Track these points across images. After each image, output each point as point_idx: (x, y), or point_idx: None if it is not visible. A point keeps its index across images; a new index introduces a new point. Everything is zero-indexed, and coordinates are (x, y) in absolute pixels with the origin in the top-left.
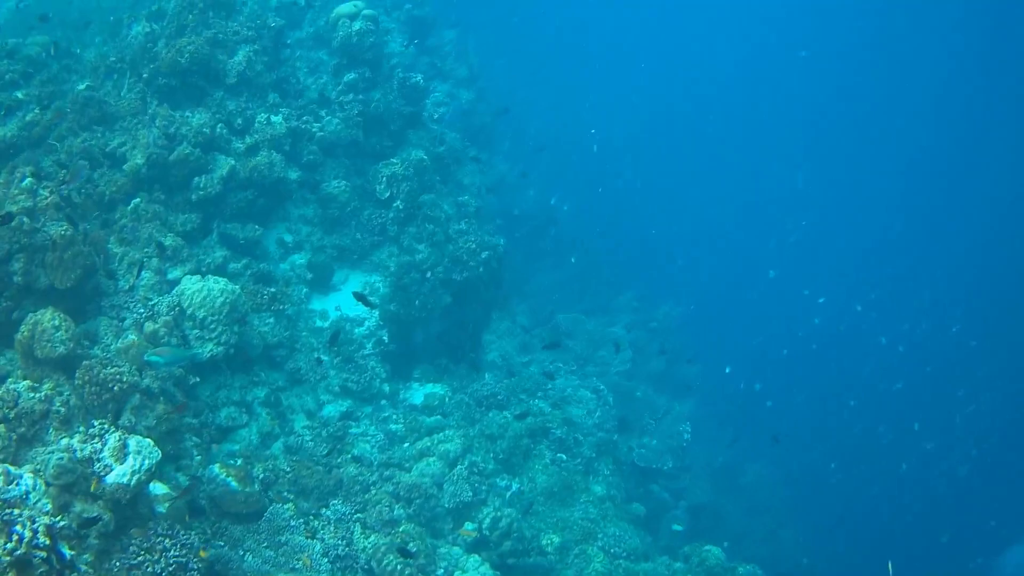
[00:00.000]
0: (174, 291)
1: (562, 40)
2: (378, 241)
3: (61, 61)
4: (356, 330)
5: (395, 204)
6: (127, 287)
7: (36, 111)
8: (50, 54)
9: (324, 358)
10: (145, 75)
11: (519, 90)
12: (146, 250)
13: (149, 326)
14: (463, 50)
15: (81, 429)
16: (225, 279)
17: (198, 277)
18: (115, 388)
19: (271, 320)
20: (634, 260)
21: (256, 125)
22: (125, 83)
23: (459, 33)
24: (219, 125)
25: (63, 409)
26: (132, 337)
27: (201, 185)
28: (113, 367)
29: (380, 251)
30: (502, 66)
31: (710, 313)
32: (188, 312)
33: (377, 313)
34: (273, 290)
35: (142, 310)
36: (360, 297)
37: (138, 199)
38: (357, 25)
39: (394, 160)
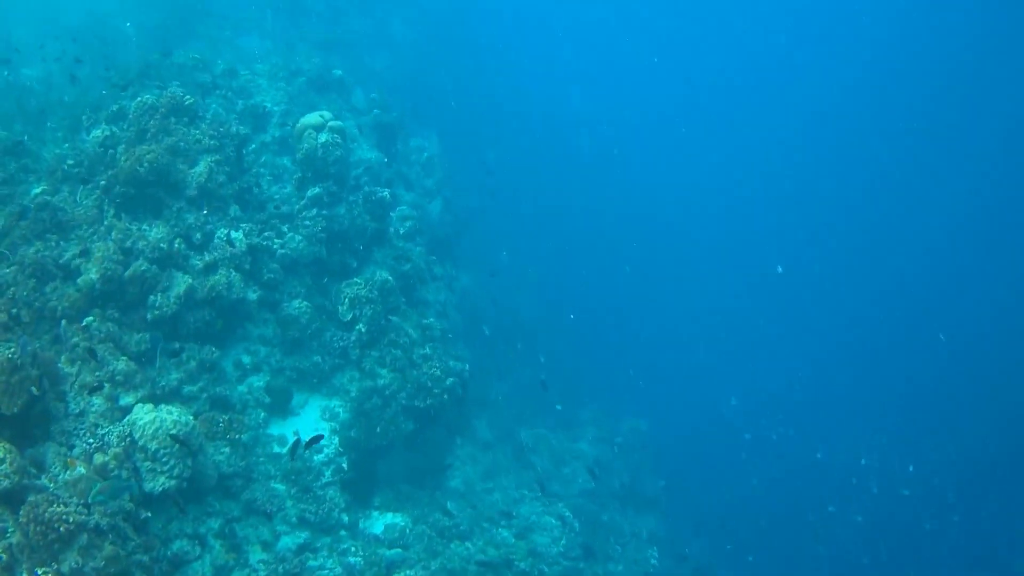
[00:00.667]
0: (126, 420)
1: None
2: (339, 364)
3: (19, 160)
4: (315, 457)
5: (358, 327)
6: (77, 411)
7: None
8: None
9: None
10: (103, 183)
11: (487, 196)
12: (97, 373)
13: (99, 458)
14: (430, 158)
15: None
16: (179, 409)
17: (151, 406)
18: (61, 529)
19: (226, 449)
20: (601, 368)
21: (216, 241)
22: (81, 189)
23: (425, 140)
24: (177, 240)
25: (4, 556)
26: (80, 470)
27: (157, 304)
28: (60, 505)
29: (341, 375)
30: (469, 171)
31: (678, 426)
32: (140, 443)
33: (336, 440)
34: (228, 417)
35: (91, 440)
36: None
37: (91, 317)
38: (323, 138)
39: (358, 280)
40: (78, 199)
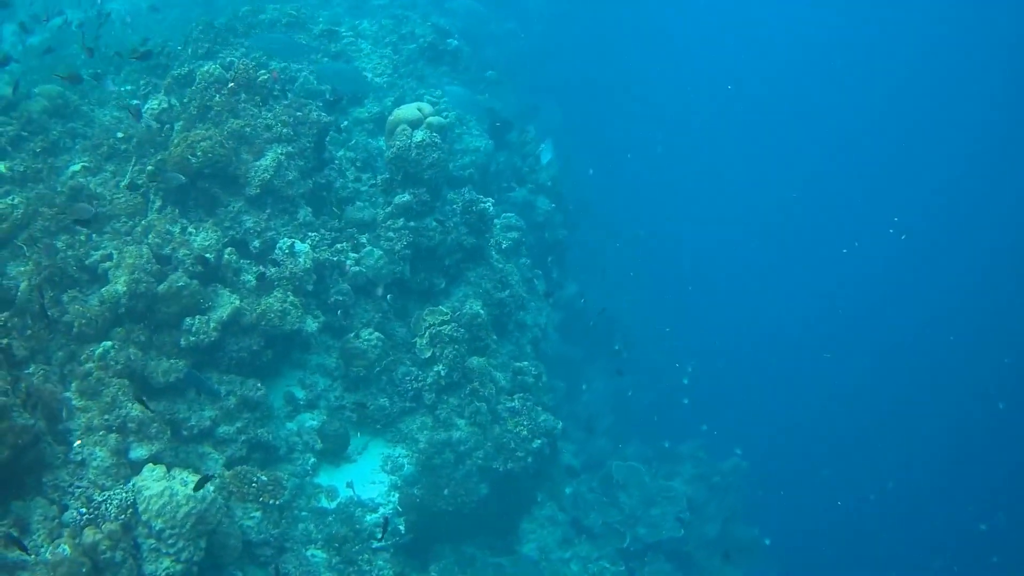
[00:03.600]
0: (131, 483)
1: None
2: (410, 408)
3: (66, 123)
4: (367, 518)
5: (436, 369)
6: (79, 459)
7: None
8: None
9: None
10: (150, 167)
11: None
12: (106, 416)
13: (90, 535)
14: (548, 149)
15: None
16: (194, 480)
17: (162, 470)
18: None
19: (257, 514)
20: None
21: (277, 252)
22: (128, 171)
23: (543, 130)
24: (228, 250)
25: None
26: (65, 550)
27: (194, 329)
28: None
29: (411, 420)
30: (587, 166)
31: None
32: (143, 518)
33: (396, 497)
34: (264, 479)
35: (84, 510)
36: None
37: (109, 343)
38: (419, 136)
39: (443, 309)
40: (121, 184)
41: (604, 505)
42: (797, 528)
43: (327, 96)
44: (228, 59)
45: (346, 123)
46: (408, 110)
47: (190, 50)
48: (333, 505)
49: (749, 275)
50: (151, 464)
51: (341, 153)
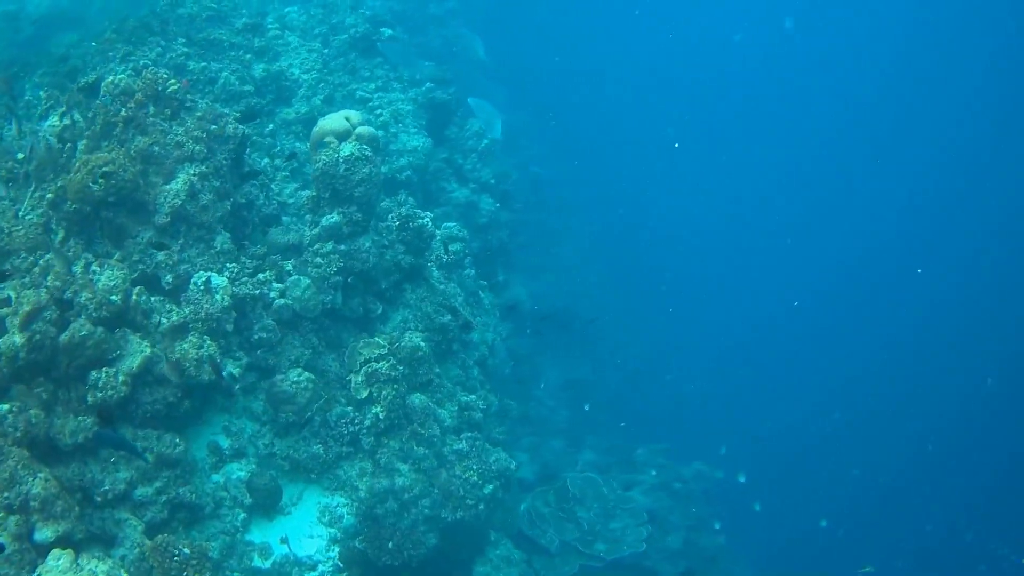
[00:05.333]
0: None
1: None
2: (347, 452)
3: None
4: None
5: (374, 411)
6: None
7: None
8: None
9: None
10: (49, 195)
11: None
12: (5, 495)
13: None
14: (490, 145)
15: None
16: (109, 565)
17: (69, 558)
18: None
19: None
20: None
21: (191, 288)
22: (27, 197)
23: (485, 121)
24: (137, 290)
25: None
26: None
27: (101, 383)
28: None
29: (349, 465)
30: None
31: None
32: None
33: (335, 552)
34: (187, 553)
35: None
36: None
37: (6, 406)
38: (347, 150)
39: (380, 341)
40: (20, 213)
41: (561, 521)
42: (768, 534)
43: (249, 101)
44: (142, 62)
45: (271, 126)
46: (334, 120)
47: (100, 54)
48: (267, 565)
49: (717, 265)
50: (57, 550)
51: (265, 162)
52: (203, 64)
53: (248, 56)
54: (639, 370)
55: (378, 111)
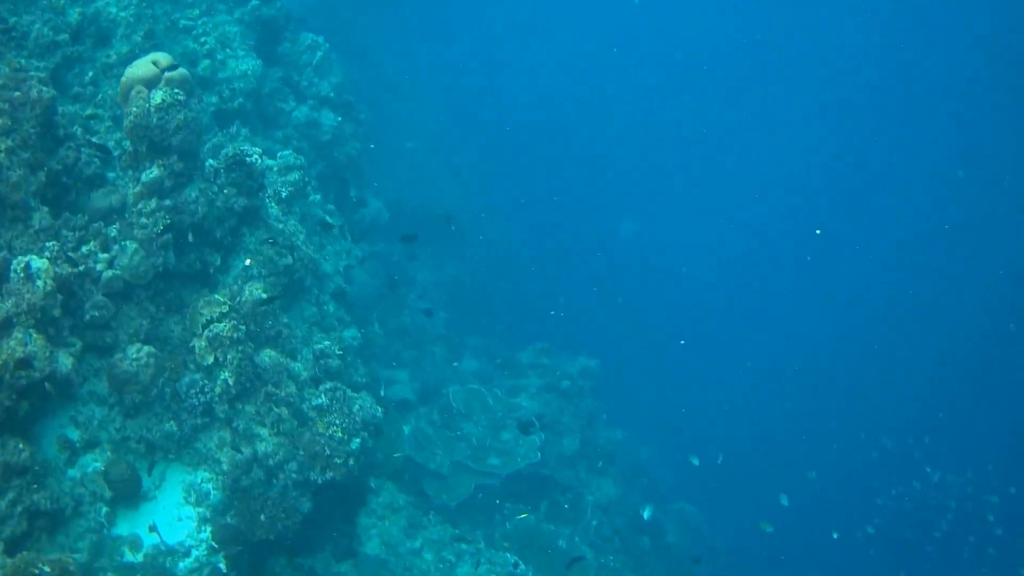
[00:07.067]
0: None
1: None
2: (203, 424)
3: None
4: (180, 564)
5: (223, 376)
6: None
7: None
8: None
9: None
10: None
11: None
12: None
13: None
14: (326, 56)
15: None
16: None
17: None
18: None
19: None
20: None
21: (12, 278)
22: None
23: (320, 34)
24: None
25: None
26: None
27: None
28: None
29: (207, 437)
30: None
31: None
32: None
33: (207, 532)
34: (47, 570)
35: None
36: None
37: None
38: (158, 97)
39: (219, 298)
40: None
41: (449, 440)
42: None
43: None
44: None
45: (91, 73)
46: (141, 67)
47: None
48: (139, 558)
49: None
50: None
51: (89, 111)
52: (14, 19)
53: (61, 2)
54: (511, 266)
55: (203, 39)
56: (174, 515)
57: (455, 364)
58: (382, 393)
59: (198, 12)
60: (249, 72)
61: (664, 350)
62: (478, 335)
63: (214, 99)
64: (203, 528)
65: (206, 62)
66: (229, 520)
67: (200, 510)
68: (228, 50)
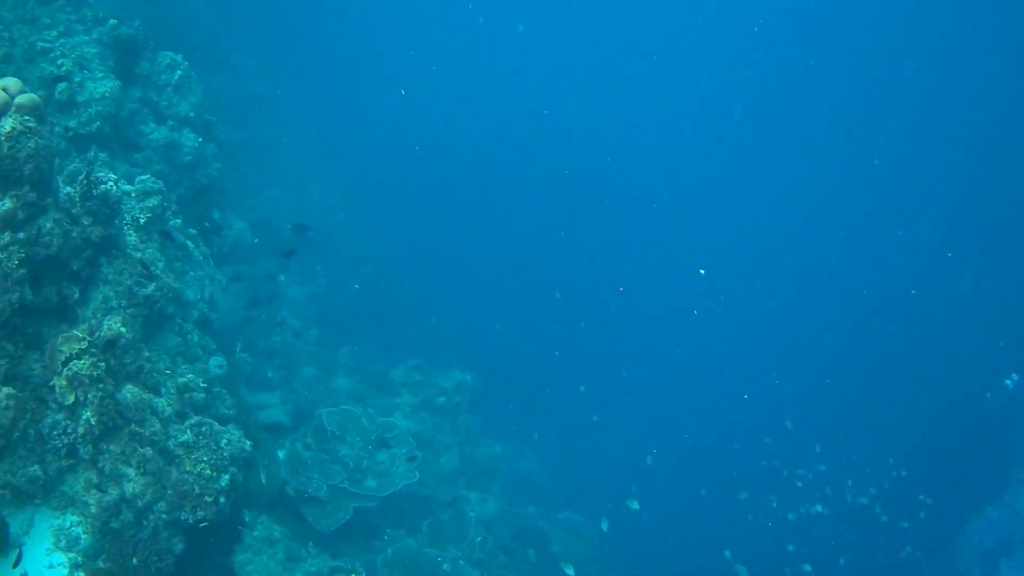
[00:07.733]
0: None
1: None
2: (69, 465)
3: None
4: None
5: (85, 415)
6: None
7: None
8: None
9: None
10: None
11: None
12: None
13: None
14: (185, 76)
15: None
16: None
17: None
18: None
19: None
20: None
21: None
22: None
23: (180, 52)
24: None
25: None
26: None
27: None
28: None
29: (73, 479)
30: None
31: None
32: None
33: None
34: None
35: None
36: None
37: None
38: (7, 126)
39: (78, 334)
40: None
41: (325, 464)
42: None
43: None
44: None
45: None
46: None
47: None
48: None
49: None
50: None
51: None
52: None
53: None
54: (381, 280)
55: (60, 61)
56: (44, 562)
57: (327, 382)
58: (256, 419)
59: (56, 34)
60: (107, 94)
61: (543, 362)
62: (350, 352)
63: (72, 123)
64: (75, 574)
65: (63, 85)
66: (101, 564)
67: (71, 555)
68: (86, 72)
